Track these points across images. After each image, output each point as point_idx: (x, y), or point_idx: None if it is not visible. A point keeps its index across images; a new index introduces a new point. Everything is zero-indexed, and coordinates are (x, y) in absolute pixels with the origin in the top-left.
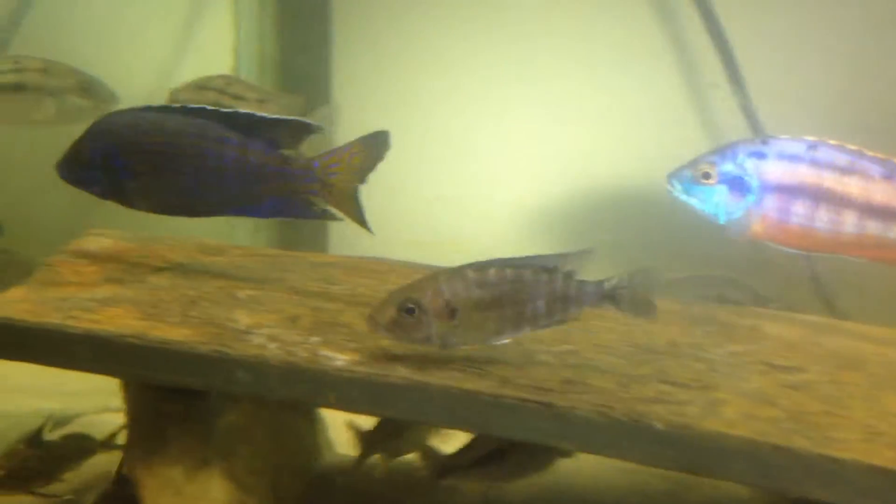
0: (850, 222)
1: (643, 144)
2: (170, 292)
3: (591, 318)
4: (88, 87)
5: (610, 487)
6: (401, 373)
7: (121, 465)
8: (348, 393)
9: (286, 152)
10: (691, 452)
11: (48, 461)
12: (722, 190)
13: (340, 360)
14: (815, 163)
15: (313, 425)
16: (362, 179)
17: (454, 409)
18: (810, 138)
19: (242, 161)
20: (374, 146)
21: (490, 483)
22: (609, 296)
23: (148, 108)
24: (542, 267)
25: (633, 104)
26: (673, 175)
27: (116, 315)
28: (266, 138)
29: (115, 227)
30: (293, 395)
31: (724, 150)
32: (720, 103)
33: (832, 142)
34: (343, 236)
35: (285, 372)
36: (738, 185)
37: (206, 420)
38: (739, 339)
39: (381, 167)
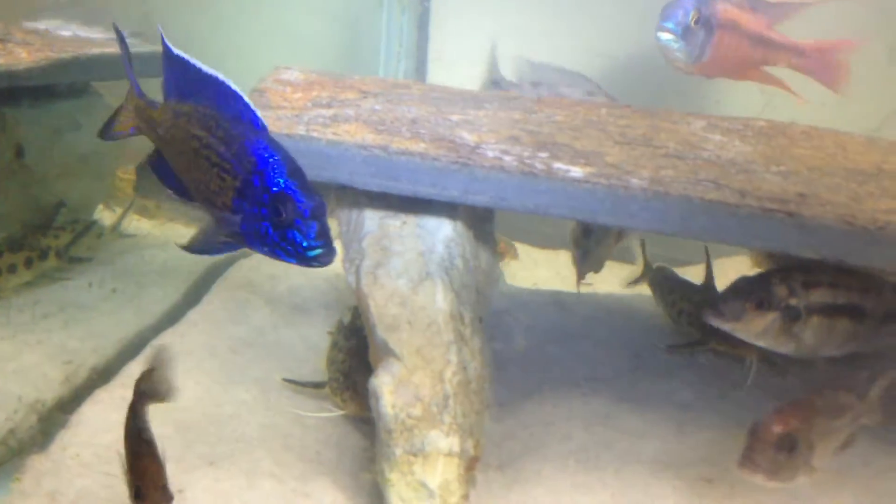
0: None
1: None
2: (387, 114)
3: (789, 146)
4: None
5: None
6: (638, 184)
7: None
8: (588, 203)
9: None
10: None
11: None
12: (700, 32)
13: (577, 171)
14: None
15: (493, 252)
16: None
17: (694, 219)
18: None
19: None
20: None
21: None
22: None
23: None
24: None
25: None
26: (667, 19)
27: (351, 130)
28: None
29: None
30: (531, 205)
31: None
32: None
33: None
34: None
35: (525, 182)
36: (708, 26)
37: (429, 235)
38: None
39: None
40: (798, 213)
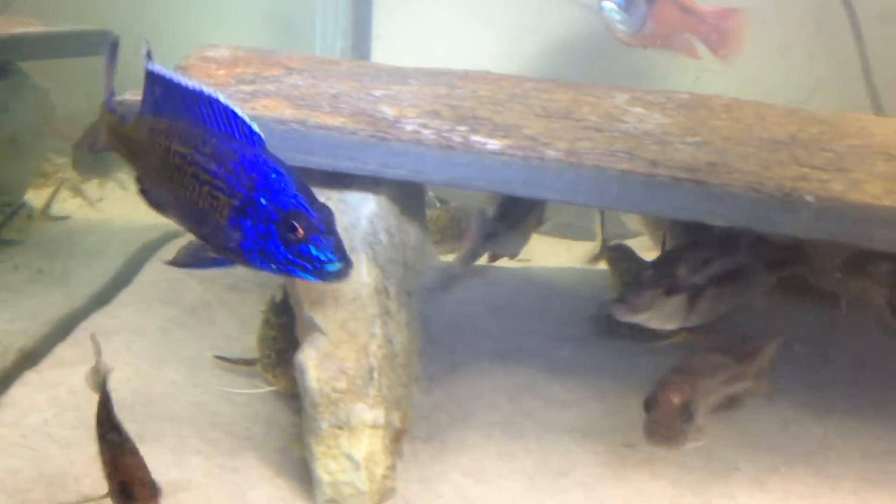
0: None
1: None
2: (310, 90)
3: (708, 118)
4: None
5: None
6: (553, 155)
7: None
8: (504, 175)
9: None
10: (841, 222)
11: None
12: (641, 3)
13: (494, 144)
14: None
15: (423, 228)
16: None
17: (607, 189)
18: None
19: None
20: None
21: None
22: None
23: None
24: None
25: None
26: None
27: (270, 105)
28: None
29: None
30: (449, 178)
31: None
32: None
33: None
34: None
35: (443, 155)
36: None
37: (352, 210)
38: (853, 135)
39: None
40: (706, 182)
